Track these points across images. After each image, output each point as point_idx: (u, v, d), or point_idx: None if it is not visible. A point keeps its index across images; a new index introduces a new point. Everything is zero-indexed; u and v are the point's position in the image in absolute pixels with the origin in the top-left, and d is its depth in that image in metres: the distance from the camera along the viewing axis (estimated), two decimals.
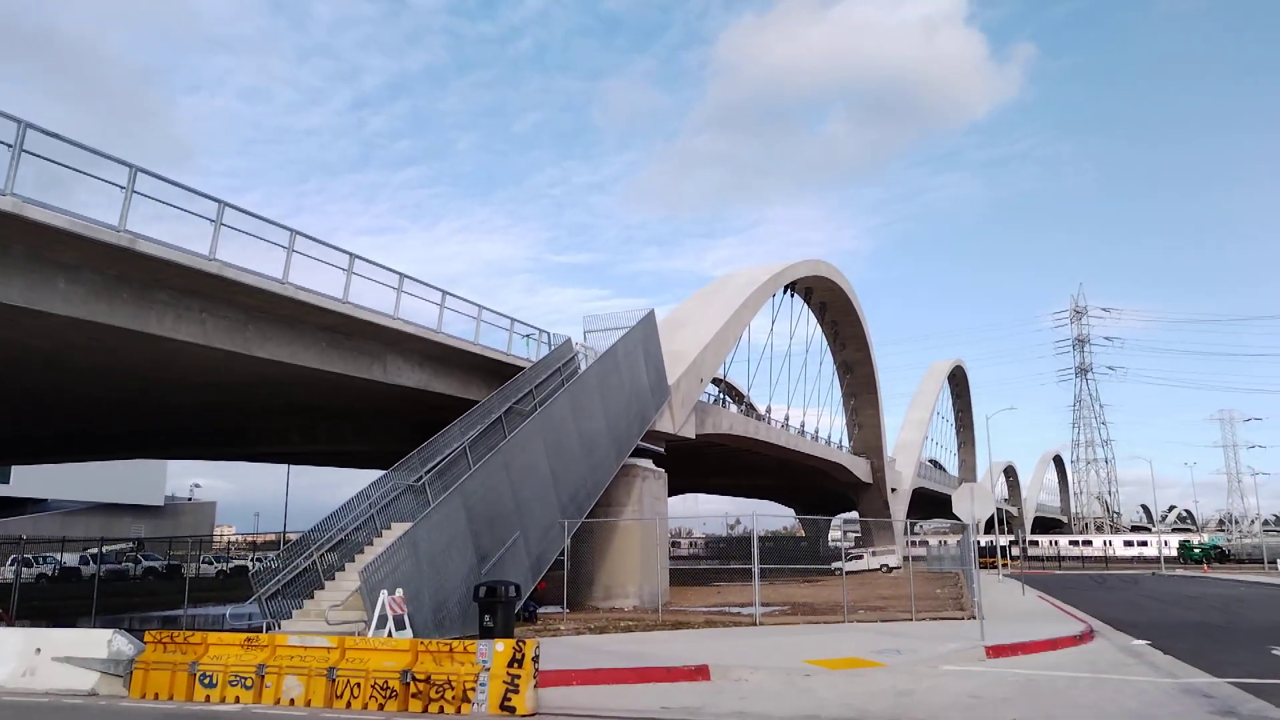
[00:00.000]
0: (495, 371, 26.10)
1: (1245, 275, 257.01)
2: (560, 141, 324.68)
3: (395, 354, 23.33)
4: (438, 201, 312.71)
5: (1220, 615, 24.01)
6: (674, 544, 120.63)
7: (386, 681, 10.87)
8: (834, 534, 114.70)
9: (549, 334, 28.47)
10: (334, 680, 11.09)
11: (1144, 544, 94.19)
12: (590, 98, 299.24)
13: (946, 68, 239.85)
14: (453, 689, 10.60)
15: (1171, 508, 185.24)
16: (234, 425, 32.74)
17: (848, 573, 43.55)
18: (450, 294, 24.09)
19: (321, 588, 17.78)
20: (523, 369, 25.58)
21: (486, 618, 15.60)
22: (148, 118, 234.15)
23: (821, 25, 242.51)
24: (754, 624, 20.10)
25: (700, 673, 12.66)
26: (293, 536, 19.74)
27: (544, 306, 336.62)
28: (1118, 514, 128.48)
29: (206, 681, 11.63)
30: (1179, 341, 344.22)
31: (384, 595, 15.10)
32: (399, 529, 18.15)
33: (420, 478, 19.72)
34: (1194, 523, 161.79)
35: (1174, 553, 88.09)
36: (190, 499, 79.49)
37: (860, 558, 63.32)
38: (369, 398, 25.25)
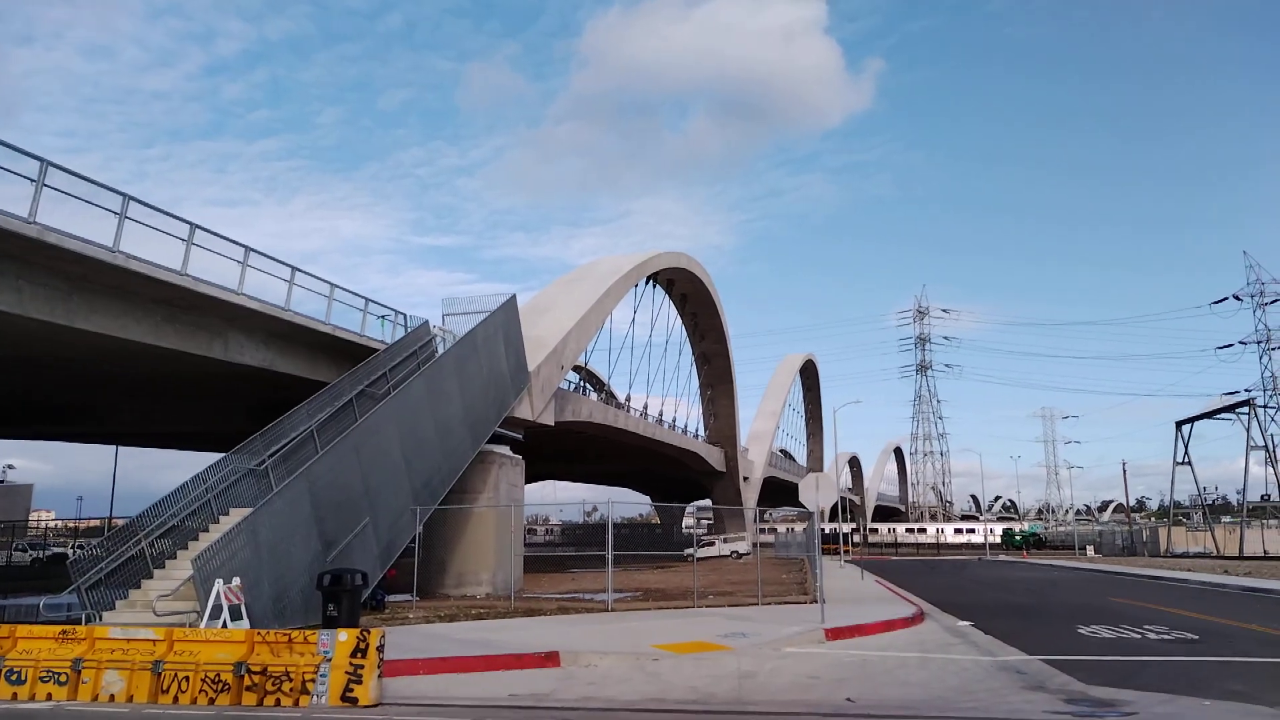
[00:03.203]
0: (347, 353, 25.20)
1: (1068, 284, 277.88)
2: (428, 121, 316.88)
3: (238, 331, 22.16)
4: (295, 175, 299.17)
5: (1035, 597, 25.93)
6: (530, 531, 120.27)
7: (219, 674, 10.34)
8: (688, 521, 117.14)
9: (406, 315, 27.73)
10: (160, 674, 10.46)
11: (972, 531, 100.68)
12: (460, 79, 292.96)
13: (804, 75, 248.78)
14: (291, 681, 10.19)
15: (998, 498, 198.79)
16: (55, 402, 30.30)
17: (700, 559, 44.56)
18: (300, 270, 23.11)
19: (150, 577, 16.71)
20: (377, 351, 24.81)
21: (331, 607, 15.07)
22: None
23: (686, 24, 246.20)
24: (607, 610, 20.26)
25: (550, 659, 12.65)
26: (120, 522, 18.42)
27: (407, 288, 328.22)
28: (950, 503, 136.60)
29: (14, 678, 10.74)
30: (1008, 343, 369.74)
31: (219, 584, 14.35)
32: (238, 515, 17.27)
33: (263, 461, 18.82)
34: (1017, 512, 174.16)
35: (998, 540, 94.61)
36: (2, 480, 73.17)
37: (712, 544, 64.87)
38: (209, 376, 23.90)
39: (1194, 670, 11.69)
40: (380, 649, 10.28)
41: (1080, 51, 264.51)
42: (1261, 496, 77.93)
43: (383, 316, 27.02)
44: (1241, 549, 68.70)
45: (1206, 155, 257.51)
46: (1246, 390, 79.61)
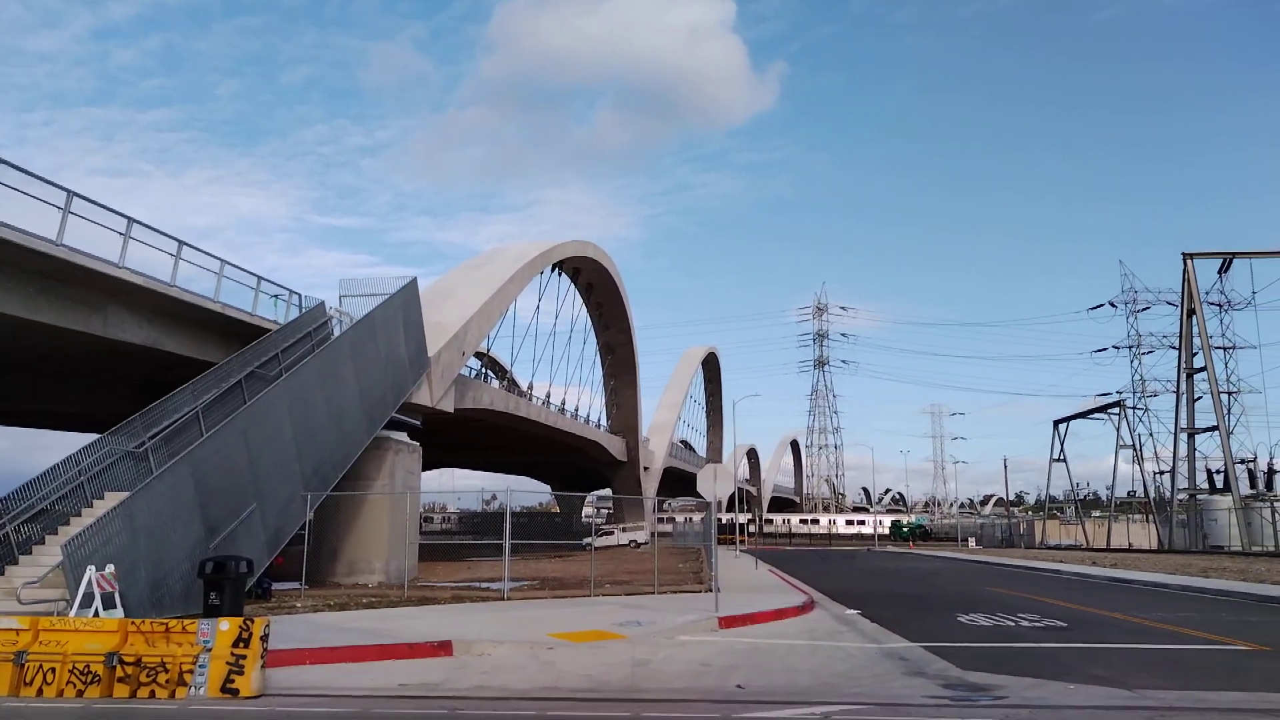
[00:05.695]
0: (238, 333, 24.25)
1: (958, 287, 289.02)
2: (332, 100, 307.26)
3: (120, 306, 21.07)
4: (189, 148, 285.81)
5: (919, 587, 26.94)
6: (427, 519, 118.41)
7: (88, 665, 9.83)
8: (587, 510, 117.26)
9: (301, 296, 26.87)
10: (24, 665, 9.88)
11: (863, 523, 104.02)
12: (365, 59, 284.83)
13: (711, 73, 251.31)
14: (167, 672, 9.77)
15: (888, 490, 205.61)
16: None
17: (598, 548, 44.70)
18: (188, 244, 22.10)
19: (15, 563, 15.79)
20: (269, 332, 23.96)
21: (212, 595, 14.48)
22: None
23: (595, 17, 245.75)
24: (502, 599, 20.11)
25: (443, 648, 12.48)
26: None
27: (306, 269, 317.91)
28: (843, 495, 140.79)
29: None
30: (901, 341, 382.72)
31: (91, 571, 13.64)
32: (114, 499, 16.45)
33: (143, 443, 17.98)
34: (905, 504, 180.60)
35: (887, 531, 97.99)
36: None
37: (611, 534, 65.19)
38: (89, 354, 22.66)
39: (1062, 656, 12.34)
40: (264, 638, 9.95)
41: (973, 66, 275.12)
42: (1129, 492, 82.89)
43: (276, 296, 26.10)
44: (1109, 541, 72.88)
45: (1086, 169, 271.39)
46: (1118, 392, 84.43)
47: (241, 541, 18.65)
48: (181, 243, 21.91)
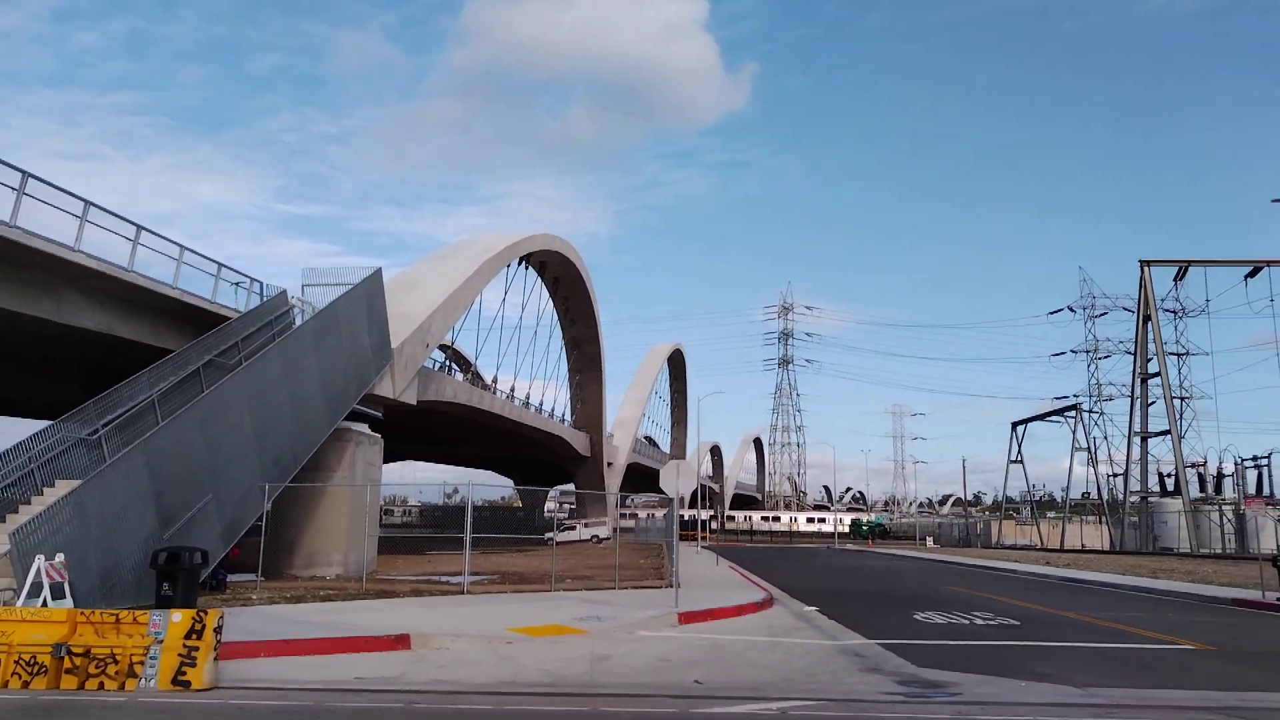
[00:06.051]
0: (196, 320, 23.84)
1: (922, 290, 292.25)
2: (299, 87, 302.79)
3: (75, 291, 20.61)
4: (152, 132, 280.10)
5: (877, 585, 27.25)
6: (387, 512, 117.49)
7: (35, 656, 9.63)
8: (550, 505, 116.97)
9: (262, 284, 26.45)
10: None
11: (823, 521, 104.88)
12: (334, 46, 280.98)
13: (683, 72, 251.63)
14: (117, 663, 9.59)
15: (848, 489, 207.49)
16: None
17: (560, 543, 44.58)
18: (146, 229, 21.66)
19: None
20: (229, 320, 23.58)
21: (165, 586, 14.27)
22: None
23: (568, 11, 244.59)
24: (462, 593, 20.00)
25: (401, 642, 12.38)
26: None
27: (269, 257, 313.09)
28: (804, 493, 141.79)
29: None
30: (865, 342, 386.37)
31: (39, 561, 13.34)
32: (65, 487, 16.08)
33: (96, 431, 17.58)
34: (865, 503, 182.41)
35: (847, 529, 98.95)
36: None
37: (573, 529, 65.13)
38: (42, 338, 22.15)
39: (1015, 654, 12.54)
40: (218, 630, 9.81)
41: (941, 74, 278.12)
42: (1083, 494, 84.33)
43: (237, 284, 25.68)
44: (1063, 542, 74.18)
45: (1050, 177, 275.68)
46: (1075, 396, 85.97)
47: (197, 532, 18.35)
48: (140, 227, 21.49)
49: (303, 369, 23.81)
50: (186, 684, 9.44)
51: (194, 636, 9.65)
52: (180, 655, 9.57)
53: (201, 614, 9.85)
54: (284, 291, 26.30)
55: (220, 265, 24.92)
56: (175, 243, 23.03)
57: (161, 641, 9.64)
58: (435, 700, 9.15)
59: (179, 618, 9.81)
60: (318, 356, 24.62)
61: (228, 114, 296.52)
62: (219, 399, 19.78)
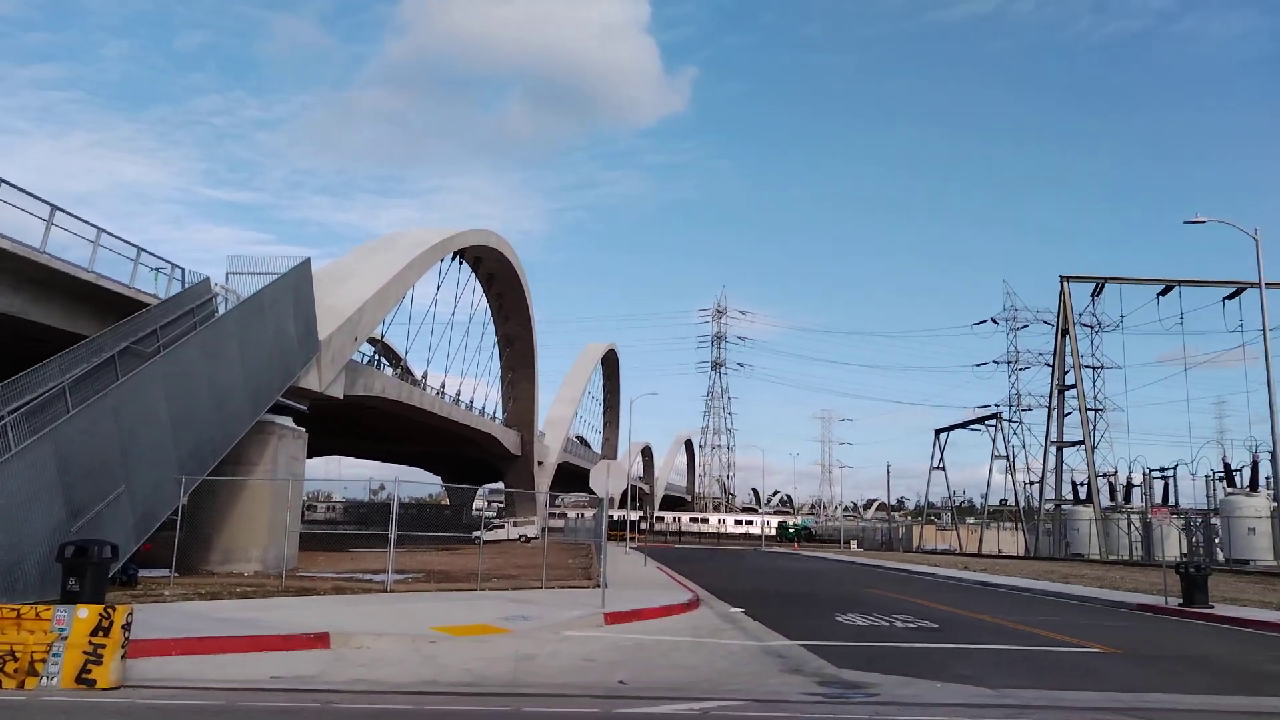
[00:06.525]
0: (114, 306, 22.99)
1: (851, 298, 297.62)
2: (229, 68, 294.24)
3: None
4: (73, 108, 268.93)
5: (802, 586, 27.65)
6: (310, 508, 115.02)
7: None
8: (479, 503, 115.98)
9: (184, 270, 25.62)
10: None
11: (751, 523, 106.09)
12: (267, 29, 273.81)
13: (623, 73, 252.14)
14: (16, 660, 9.18)
15: (776, 492, 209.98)
16: None
17: (488, 542, 44.27)
18: (62, 210, 20.82)
19: None
20: (148, 306, 22.79)
21: (72, 581, 13.64)
22: None
23: (510, 6, 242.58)
24: (386, 591, 19.68)
25: (320, 640, 12.12)
26: None
27: (191, 243, 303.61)
28: (733, 496, 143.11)
29: None
30: (796, 347, 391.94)
31: None
32: None
33: (1, 419, 16.82)
34: (792, 506, 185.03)
35: (774, 532, 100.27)
36: None
37: (502, 528, 64.67)
38: None
39: (933, 655, 12.84)
40: (126, 627, 9.47)
41: (875, 87, 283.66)
42: (1000, 501, 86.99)
43: (157, 269, 24.83)
44: (980, 547, 76.40)
45: (975, 192, 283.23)
46: (996, 405, 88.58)
47: (107, 525, 17.69)
48: (55, 207, 20.64)
49: (225, 358, 23.14)
50: (92, 683, 9.09)
51: (101, 633, 9.30)
52: (86, 653, 9.21)
53: (110, 610, 9.50)
54: (207, 279, 25.54)
55: (140, 249, 24.08)
56: (92, 224, 22.19)
57: (66, 638, 9.27)
58: (354, 700, 8.97)
59: (85, 614, 9.44)
60: (241, 346, 23.96)
61: (153, 91, 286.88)
62: (134, 387, 19.09)
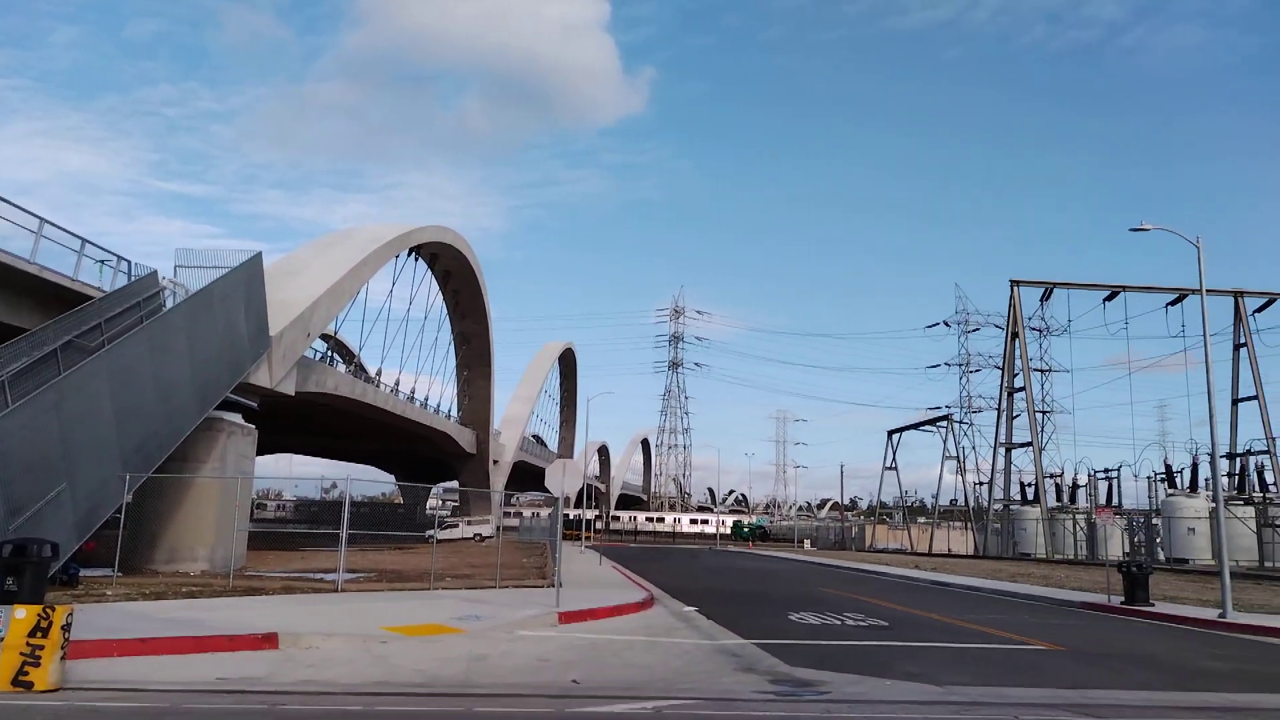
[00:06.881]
0: (58, 298, 22.40)
1: (808, 298, 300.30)
2: (181, 58, 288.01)
3: None
4: (17, 96, 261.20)
5: (756, 585, 27.82)
6: (260, 506, 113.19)
7: None
8: (433, 502, 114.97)
9: (131, 263, 25.05)
10: None
11: (706, 523, 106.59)
12: (220, 19, 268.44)
13: (583, 72, 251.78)
14: None
15: (731, 492, 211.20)
16: None
17: (441, 541, 43.86)
18: (3, 199, 20.24)
19: None
20: (93, 299, 22.23)
21: (10, 580, 13.23)
22: None
23: (466, 2, 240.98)
24: (336, 591, 19.41)
25: (268, 641, 11.91)
26: None
27: (141, 236, 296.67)
28: (689, 495, 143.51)
29: None
30: (752, 348, 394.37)
31: None
32: None
33: None
34: (747, 506, 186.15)
35: (729, 531, 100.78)
36: None
37: (456, 527, 64.13)
38: None
39: (883, 654, 13.01)
40: (66, 628, 9.22)
41: (835, 89, 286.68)
42: (951, 501, 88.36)
43: (103, 262, 24.25)
44: (931, 546, 77.52)
45: (930, 195, 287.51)
46: (947, 407, 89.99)
47: (48, 523, 17.22)
48: None
49: (172, 353, 22.66)
50: (29, 685, 8.83)
51: (39, 634, 9.04)
52: (23, 654, 8.95)
53: (49, 610, 9.23)
54: (154, 272, 24.99)
55: (84, 241, 23.51)
56: (34, 215, 21.63)
57: (2, 639, 8.99)
58: (302, 701, 8.84)
59: (23, 614, 9.17)
60: (189, 341, 23.48)
61: (102, 80, 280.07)
62: (77, 381, 18.61)
